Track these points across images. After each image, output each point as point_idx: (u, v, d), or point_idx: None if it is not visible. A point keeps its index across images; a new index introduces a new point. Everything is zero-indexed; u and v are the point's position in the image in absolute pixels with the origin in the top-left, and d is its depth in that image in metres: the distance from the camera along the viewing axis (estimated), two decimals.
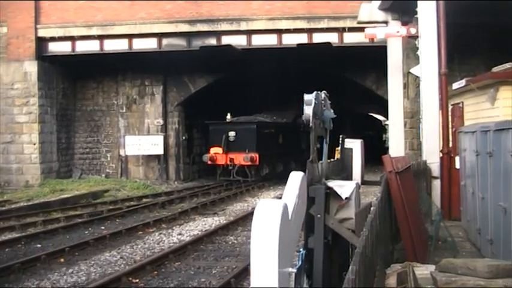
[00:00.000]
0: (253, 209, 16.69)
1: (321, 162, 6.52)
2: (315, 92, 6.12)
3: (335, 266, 6.70)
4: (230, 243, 12.38)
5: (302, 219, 5.06)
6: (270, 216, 3.44)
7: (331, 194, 6.26)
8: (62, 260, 10.86)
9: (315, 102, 5.98)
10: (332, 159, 7.67)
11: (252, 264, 3.44)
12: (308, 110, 5.91)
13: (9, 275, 9.70)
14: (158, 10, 23.98)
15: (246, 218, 15.27)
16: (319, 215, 5.93)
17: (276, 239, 3.37)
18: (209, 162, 26.00)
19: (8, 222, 15.05)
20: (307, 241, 5.95)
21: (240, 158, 24.73)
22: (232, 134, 25.47)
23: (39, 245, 12.41)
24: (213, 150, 25.58)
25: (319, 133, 6.53)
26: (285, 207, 3.56)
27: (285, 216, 3.53)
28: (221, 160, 25.20)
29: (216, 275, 9.66)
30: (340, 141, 8.31)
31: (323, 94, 6.53)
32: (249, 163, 24.68)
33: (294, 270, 3.88)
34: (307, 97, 5.99)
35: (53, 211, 17.14)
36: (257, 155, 24.77)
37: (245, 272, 9.42)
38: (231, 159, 25.01)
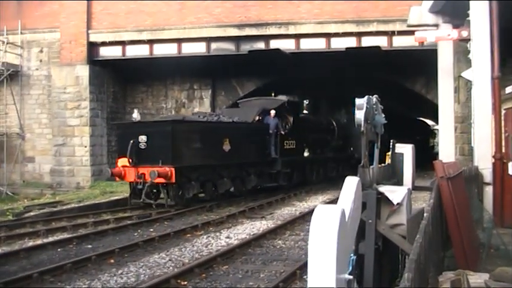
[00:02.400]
0: (301, 213, 16.74)
1: (371, 167, 6.45)
2: (366, 96, 6.06)
3: (385, 272, 6.62)
4: (278, 247, 12.34)
5: (357, 224, 5.02)
6: (328, 222, 3.41)
7: (382, 199, 6.19)
8: (112, 260, 10.99)
9: (366, 107, 5.93)
10: (383, 164, 7.59)
11: (310, 271, 3.41)
12: (359, 115, 5.85)
13: (61, 274, 9.87)
14: (207, 14, 24.20)
15: (294, 222, 15.24)
16: (370, 220, 5.87)
17: (334, 245, 3.33)
18: (117, 179, 19.36)
19: (60, 223, 15.35)
20: (358, 246, 5.89)
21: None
22: (143, 139, 17.87)
23: (89, 246, 12.61)
24: (121, 161, 18.19)
25: (371, 138, 6.46)
26: (343, 213, 3.53)
27: (343, 222, 3.50)
28: (130, 176, 17.85)
29: (264, 279, 9.63)
30: (391, 146, 8.21)
31: (374, 98, 6.47)
32: (161, 180, 17.20)
33: (351, 276, 3.83)
34: (358, 101, 5.94)
35: (103, 213, 17.41)
36: (172, 169, 17.06)
37: (293, 276, 9.39)
38: (141, 175, 17.39)
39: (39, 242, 12.85)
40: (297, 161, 23.95)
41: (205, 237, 13.45)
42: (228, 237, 13.41)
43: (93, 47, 25.83)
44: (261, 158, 21.57)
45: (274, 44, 24.20)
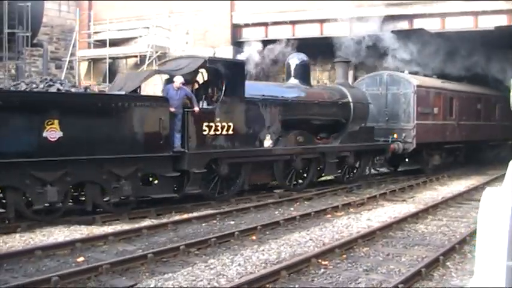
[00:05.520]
0: (443, 198, 16.28)
1: None
2: None
3: None
4: (420, 231, 12.07)
5: None
6: (500, 208, 3.22)
7: None
8: (254, 237, 11.27)
9: None
10: None
11: (478, 258, 3.26)
12: None
13: (206, 248, 10.27)
14: None
15: (436, 207, 14.84)
16: None
17: (506, 233, 3.15)
18: None
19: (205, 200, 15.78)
20: None
21: None
22: None
23: (232, 222, 12.99)
24: None
25: None
26: None
27: None
28: None
29: (405, 263, 9.47)
30: None
31: None
32: None
33: None
34: None
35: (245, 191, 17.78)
36: None
37: (436, 262, 9.15)
38: None
39: (185, 216, 13.40)
40: (233, 155, 15.57)
41: (345, 218, 13.44)
42: (368, 219, 13.31)
43: (236, 28, 26.43)
44: (147, 152, 13.50)
45: (417, 23, 23.53)
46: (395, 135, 21.63)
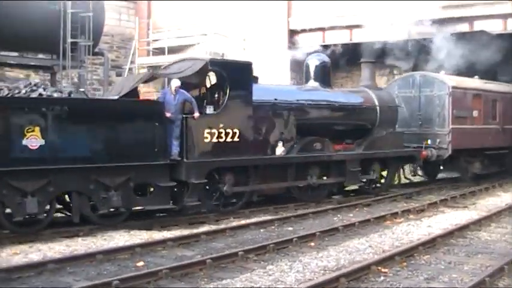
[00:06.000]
0: (507, 205, 15.82)
1: None
2: None
3: None
4: (483, 239, 11.76)
5: None
6: None
7: None
8: (313, 244, 11.21)
9: None
10: None
11: None
12: None
13: (264, 253, 10.26)
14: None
15: (500, 214, 14.45)
16: None
17: None
18: None
19: (262, 206, 15.72)
20: None
21: None
22: None
23: (290, 228, 12.96)
24: None
25: None
26: None
27: None
28: None
29: (468, 272, 9.22)
30: None
31: None
32: None
33: None
34: None
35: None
36: None
37: (501, 272, 8.88)
38: None
39: (243, 222, 13.44)
40: (239, 164, 14.42)
41: (405, 224, 13.24)
42: (429, 226, 13.07)
43: (293, 34, 26.40)
44: (140, 160, 12.53)
45: (478, 25, 22.98)
46: (428, 141, 19.90)
